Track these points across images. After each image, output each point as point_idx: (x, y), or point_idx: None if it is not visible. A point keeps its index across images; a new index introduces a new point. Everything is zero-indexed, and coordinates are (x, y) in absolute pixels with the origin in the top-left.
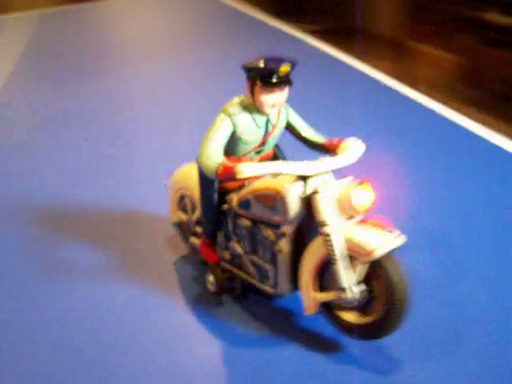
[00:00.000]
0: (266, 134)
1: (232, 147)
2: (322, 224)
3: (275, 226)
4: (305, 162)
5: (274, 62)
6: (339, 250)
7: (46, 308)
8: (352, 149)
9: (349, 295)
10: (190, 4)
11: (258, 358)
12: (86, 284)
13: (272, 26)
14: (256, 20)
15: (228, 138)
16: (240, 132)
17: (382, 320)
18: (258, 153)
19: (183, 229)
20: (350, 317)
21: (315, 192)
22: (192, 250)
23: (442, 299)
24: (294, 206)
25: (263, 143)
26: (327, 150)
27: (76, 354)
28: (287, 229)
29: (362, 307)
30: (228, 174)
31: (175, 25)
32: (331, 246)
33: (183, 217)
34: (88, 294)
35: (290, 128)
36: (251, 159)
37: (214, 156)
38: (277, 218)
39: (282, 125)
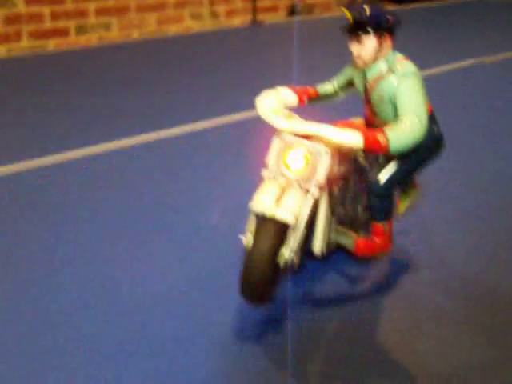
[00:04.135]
0: (365, 90)
1: None
2: (265, 166)
3: None
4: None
5: (347, 6)
6: None
7: None
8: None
9: (243, 239)
10: None
11: None
12: None
13: None
14: None
15: (347, 77)
16: (352, 77)
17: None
18: (374, 115)
19: None
20: None
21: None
22: None
23: None
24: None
25: (368, 102)
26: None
27: None
28: None
29: None
30: None
31: None
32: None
33: None
34: None
35: None
36: (372, 119)
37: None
38: None
39: (385, 93)
